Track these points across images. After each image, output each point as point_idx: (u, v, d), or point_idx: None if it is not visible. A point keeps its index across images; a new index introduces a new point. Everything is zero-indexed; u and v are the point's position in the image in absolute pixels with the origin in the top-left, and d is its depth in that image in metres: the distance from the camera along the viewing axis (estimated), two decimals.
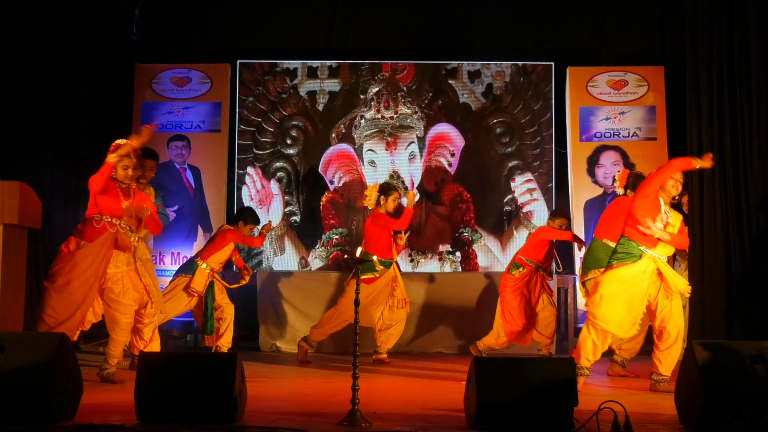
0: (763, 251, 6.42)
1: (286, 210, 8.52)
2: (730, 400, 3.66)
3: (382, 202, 6.77)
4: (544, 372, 3.79)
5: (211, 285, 6.60)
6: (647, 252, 5.10)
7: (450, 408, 4.31)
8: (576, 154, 8.34)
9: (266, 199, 8.59)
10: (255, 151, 8.66)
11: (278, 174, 8.64)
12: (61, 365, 3.78)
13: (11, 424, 3.57)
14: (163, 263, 8.15)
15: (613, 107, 8.36)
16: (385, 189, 6.83)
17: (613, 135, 8.34)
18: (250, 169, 8.62)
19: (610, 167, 8.28)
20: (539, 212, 8.52)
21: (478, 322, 7.51)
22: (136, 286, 5.35)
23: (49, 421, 3.65)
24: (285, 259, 8.56)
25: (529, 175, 8.63)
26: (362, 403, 3.83)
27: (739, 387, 3.69)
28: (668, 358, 5.17)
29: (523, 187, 8.62)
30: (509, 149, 8.68)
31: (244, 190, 8.60)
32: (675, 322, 5.15)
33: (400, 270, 7.03)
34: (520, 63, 8.76)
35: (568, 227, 7.20)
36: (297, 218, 8.24)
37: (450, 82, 8.79)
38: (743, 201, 6.57)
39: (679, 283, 5.17)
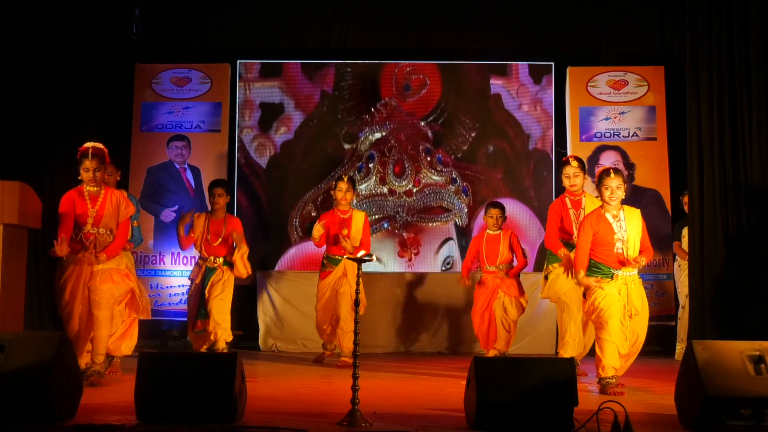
0: (763, 251, 6.41)
1: None
2: (730, 400, 3.66)
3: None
4: (543, 372, 3.78)
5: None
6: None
7: (450, 408, 4.31)
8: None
9: None
10: None
11: None
12: (60, 365, 3.78)
13: (11, 424, 3.57)
14: (163, 263, 8.15)
15: (613, 107, 8.35)
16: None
17: (613, 135, 8.34)
18: None
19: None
20: None
21: None
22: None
23: (48, 421, 3.65)
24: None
25: None
26: (362, 403, 3.83)
27: (739, 387, 3.69)
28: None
29: None
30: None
31: None
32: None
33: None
34: (520, 63, 8.78)
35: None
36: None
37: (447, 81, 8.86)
38: (743, 201, 6.57)
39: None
